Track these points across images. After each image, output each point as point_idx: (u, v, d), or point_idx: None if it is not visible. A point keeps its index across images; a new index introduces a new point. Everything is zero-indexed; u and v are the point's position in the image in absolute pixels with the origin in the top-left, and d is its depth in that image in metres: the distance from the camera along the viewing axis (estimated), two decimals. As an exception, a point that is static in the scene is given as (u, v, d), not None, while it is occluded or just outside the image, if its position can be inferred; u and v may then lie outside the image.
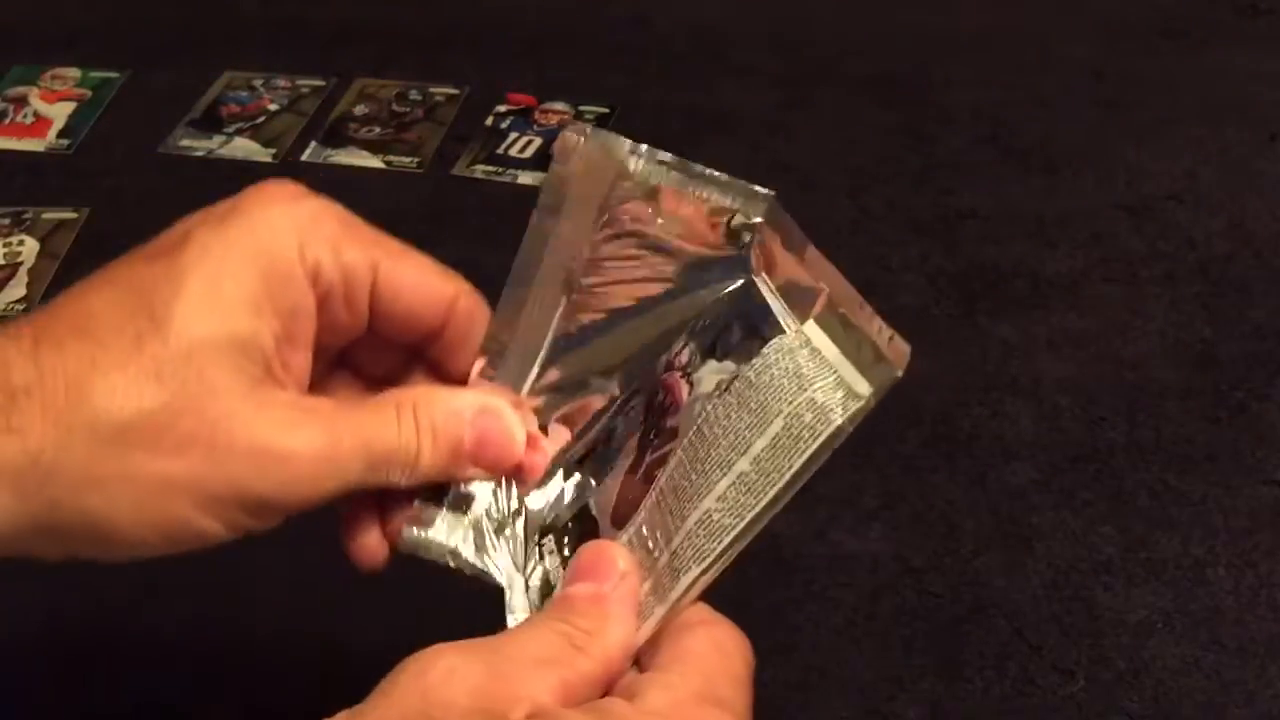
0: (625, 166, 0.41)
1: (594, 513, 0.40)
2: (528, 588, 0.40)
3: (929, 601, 0.60)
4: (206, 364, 0.36)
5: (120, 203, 0.85)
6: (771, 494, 0.36)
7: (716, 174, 0.41)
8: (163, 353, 0.36)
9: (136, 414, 0.36)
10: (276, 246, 0.38)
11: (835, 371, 0.37)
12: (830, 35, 0.96)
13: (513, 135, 0.90)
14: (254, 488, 0.37)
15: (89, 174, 0.88)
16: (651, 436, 0.40)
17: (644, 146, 0.41)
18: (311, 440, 0.37)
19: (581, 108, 0.91)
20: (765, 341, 0.38)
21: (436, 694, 0.32)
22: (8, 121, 0.93)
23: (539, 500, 0.42)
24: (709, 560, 0.37)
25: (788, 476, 0.36)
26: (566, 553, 0.40)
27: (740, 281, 0.40)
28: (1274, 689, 0.56)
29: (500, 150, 0.88)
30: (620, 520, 0.39)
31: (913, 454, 0.66)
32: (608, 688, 0.35)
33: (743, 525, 0.37)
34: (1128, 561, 0.61)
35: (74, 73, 0.97)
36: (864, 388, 0.36)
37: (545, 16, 1.00)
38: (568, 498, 0.41)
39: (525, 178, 0.86)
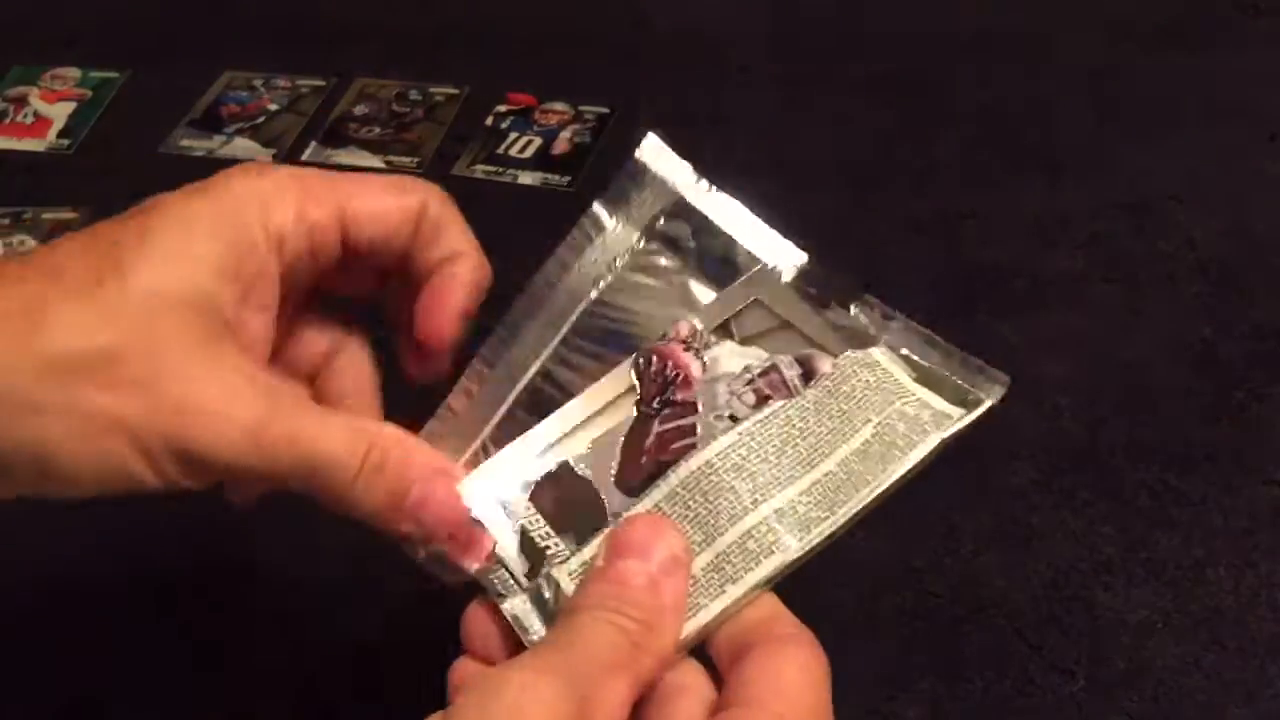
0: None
1: (581, 469, 0.40)
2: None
3: (929, 601, 0.60)
4: (162, 314, 0.37)
5: (120, 203, 0.84)
6: (864, 495, 0.38)
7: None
8: (120, 297, 0.37)
9: (86, 349, 0.36)
10: (241, 217, 0.40)
11: (915, 393, 0.40)
12: (830, 35, 0.96)
13: (513, 135, 0.90)
14: (183, 442, 0.37)
15: (89, 174, 0.88)
16: (657, 405, 0.40)
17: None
18: (245, 411, 0.38)
19: (581, 108, 0.91)
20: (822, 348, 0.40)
21: (519, 716, 0.31)
22: (8, 121, 0.93)
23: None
24: (790, 555, 0.37)
25: (886, 482, 0.39)
26: (548, 507, 0.40)
27: (761, 265, 0.42)
28: (1274, 689, 0.56)
29: (500, 150, 0.88)
30: (629, 487, 0.39)
31: (913, 454, 0.66)
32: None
33: (839, 522, 0.38)
34: (1128, 561, 0.61)
35: (74, 73, 0.97)
36: (947, 407, 0.38)
37: (545, 16, 1.00)
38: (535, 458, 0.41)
39: (525, 178, 0.86)
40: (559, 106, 0.92)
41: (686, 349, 0.41)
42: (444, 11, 1.02)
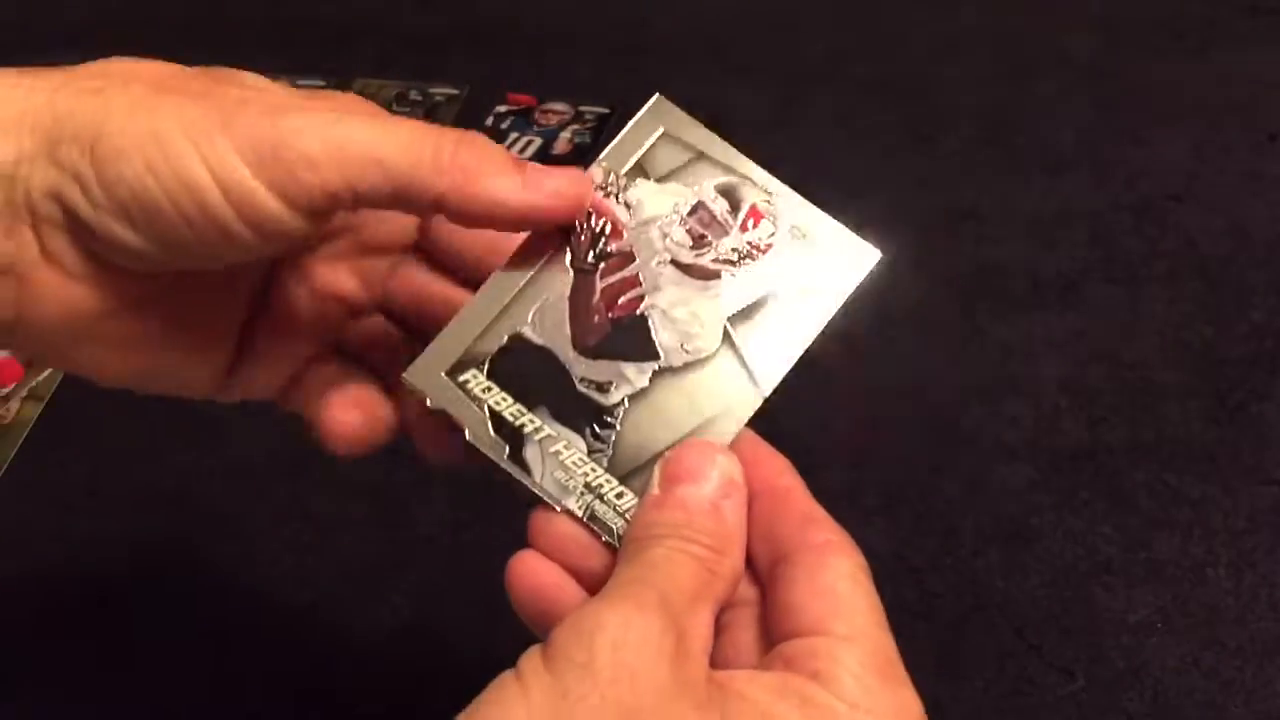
0: None
1: (535, 339, 0.39)
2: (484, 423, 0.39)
3: (929, 601, 0.60)
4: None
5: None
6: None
7: None
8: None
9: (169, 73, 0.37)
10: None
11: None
12: (830, 35, 0.96)
13: (513, 135, 0.90)
14: (277, 136, 0.35)
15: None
16: (593, 260, 0.40)
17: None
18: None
19: (581, 108, 0.91)
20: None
21: (629, 655, 0.32)
22: (8, 121, 0.93)
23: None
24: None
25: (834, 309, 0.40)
26: (511, 383, 0.39)
27: (657, 96, 0.42)
28: (1274, 689, 0.56)
29: (500, 150, 0.88)
30: (588, 349, 0.39)
31: (913, 454, 0.66)
32: None
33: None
34: (1128, 561, 0.61)
35: (74, 73, 0.97)
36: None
37: (545, 16, 1.00)
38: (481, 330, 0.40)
39: (525, 178, 0.86)
40: (559, 106, 0.92)
41: (605, 195, 0.41)
42: (444, 11, 1.02)
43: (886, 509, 0.64)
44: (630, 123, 0.42)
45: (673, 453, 0.37)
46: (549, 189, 0.38)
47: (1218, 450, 0.66)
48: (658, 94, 0.43)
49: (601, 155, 0.41)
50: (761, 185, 0.41)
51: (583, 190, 0.39)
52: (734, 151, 0.42)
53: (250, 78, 0.38)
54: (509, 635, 0.59)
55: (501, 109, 0.92)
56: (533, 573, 0.38)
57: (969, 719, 0.56)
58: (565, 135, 0.89)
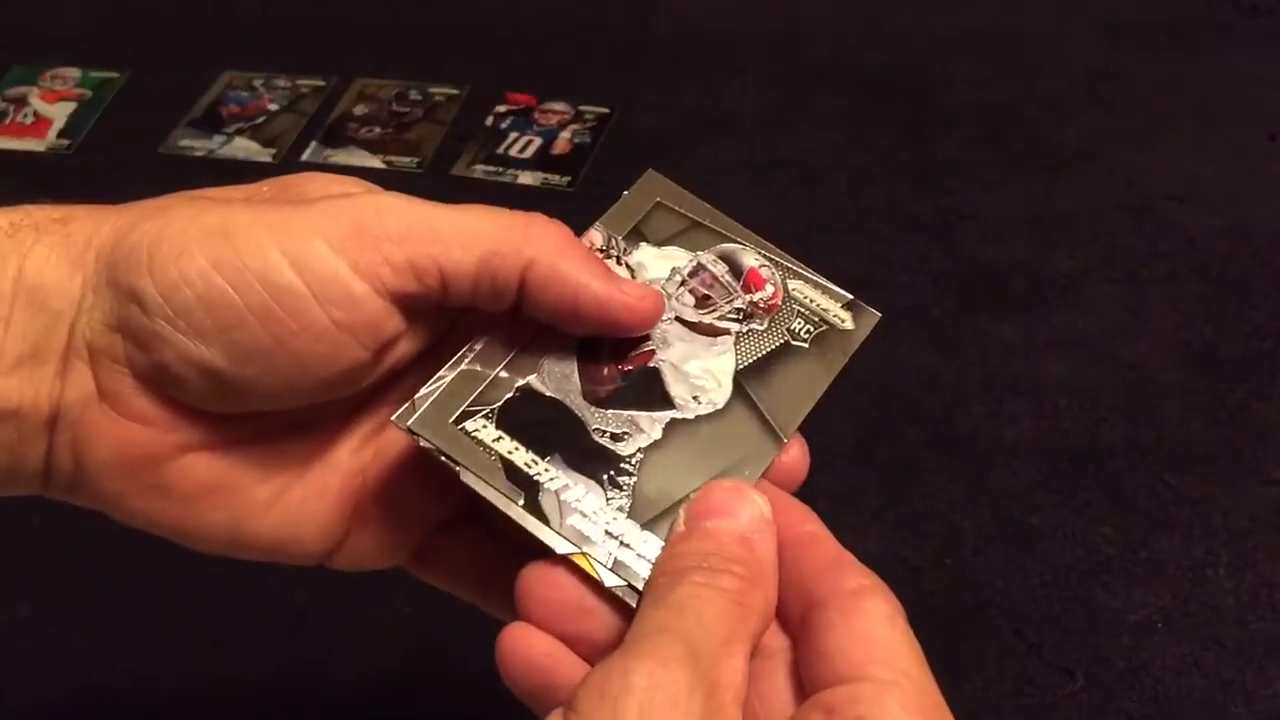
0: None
1: (544, 390, 0.39)
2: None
3: (929, 601, 0.60)
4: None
5: (120, 203, 0.85)
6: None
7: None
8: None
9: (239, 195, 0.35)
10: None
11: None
12: (830, 35, 0.96)
13: (513, 135, 0.90)
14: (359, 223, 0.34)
15: (89, 174, 0.88)
16: None
17: None
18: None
19: (581, 108, 0.91)
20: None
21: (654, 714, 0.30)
22: (8, 121, 0.93)
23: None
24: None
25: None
26: (523, 432, 0.38)
27: (648, 170, 0.43)
28: (1274, 689, 0.56)
29: (500, 150, 0.88)
30: (599, 400, 0.39)
31: (913, 454, 0.66)
32: None
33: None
34: (1128, 561, 0.61)
35: (74, 73, 0.97)
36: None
37: (545, 16, 1.00)
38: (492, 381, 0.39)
39: (525, 177, 0.86)
40: (559, 106, 0.92)
41: (606, 257, 0.41)
42: (444, 11, 1.02)
43: (886, 509, 0.64)
44: (624, 195, 0.42)
45: (699, 492, 0.36)
46: (632, 289, 0.37)
47: (1218, 450, 0.66)
48: (650, 169, 0.43)
49: (599, 221, 0.42)
50: (758, 250, 0.42)
51: (659, 304, 0.38)
52: (728, 220, 0.42)
53: (320, 175, 0.36)
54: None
55: (501, 109, 0.92)
56: (526, 646, 0.34)
57: (969, 719, 0.56)
58: (565, 135, 0.89)
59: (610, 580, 0.35)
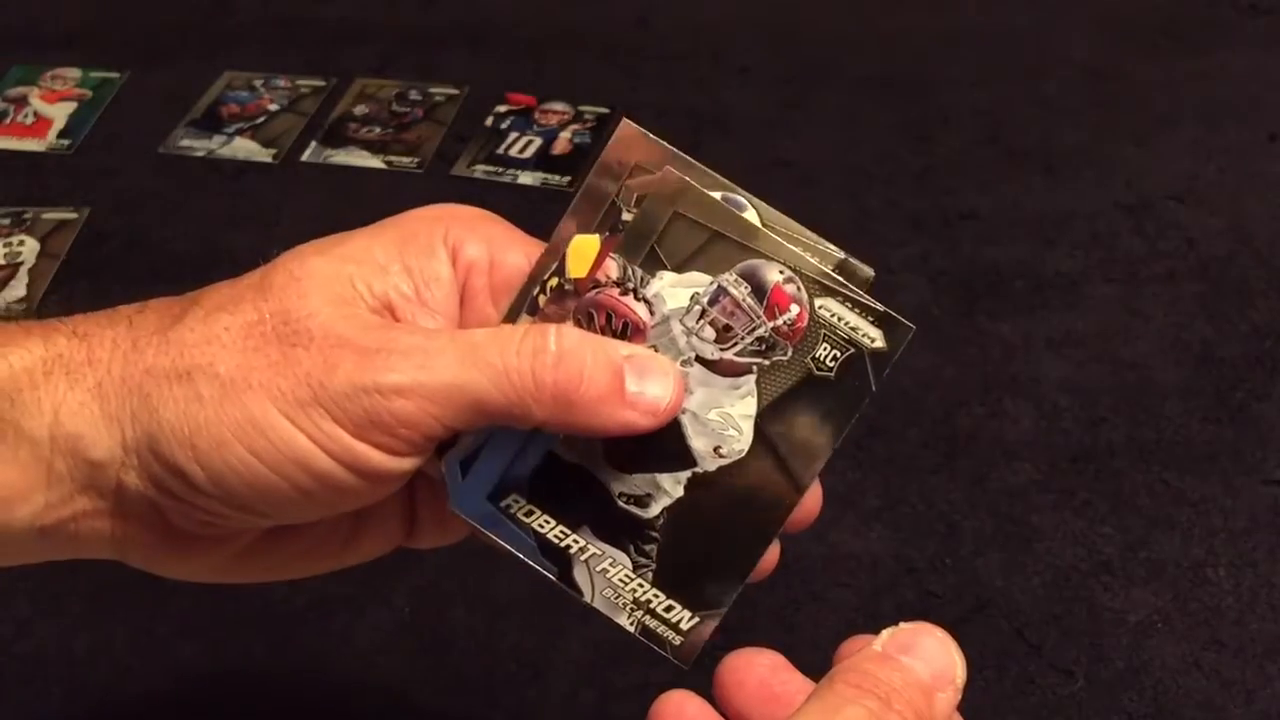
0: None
1: (568, 458, 0.39)
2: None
3: (929, 601, 0.60)
4: (311, 286, 0.37)
5: (120, 203, 0.85)
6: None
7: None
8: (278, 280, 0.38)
9: (231, 320, 0.37)
10: (421, 228, 0.39)
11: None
12: (830, 35, 0.96)
13: (512, 135, 0.90)
14: (331, 375, 0.36)
15: (89, 174, 0.88)
16: None
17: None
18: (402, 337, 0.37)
19: (581, 108, 0.91)
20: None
21: None
22: (8, 121, 0.93)
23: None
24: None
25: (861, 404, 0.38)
26: (550, 504, 0.39)
27: (665, 169, 0.40)
28: (1274, 689, 0.56)
29: (500, 150, 0.88)
30: (621, 462, 0.39)
31: (913, 454, 0.66)
32: None
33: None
34: (1128, 561, 0.61)
35: (74, 73, 0.97)
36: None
37: (545, 16, 1.00)
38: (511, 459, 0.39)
39: (525, 178, 0.86)
40: (559, 106, 0.92)
41: (624, 293, 0.38)
42: (444, 11, 1.02)
43: (886, 509, 0.64)
44: (644, 204, 0.39)
45: (910, 630, 0.37)
46: (646, 405, 0.37)
47: (1218, 450, 0.66)
48: (624, 118, 0.40)
49: (618, 239, 0.39)
50: (784, 262, 0.39)
51: (680, 399, 0.38)
52: (751, 225, 0.39)
53: (307, 311, 0.37)
54: (509, 636, 0.60)
55: (501, 109, 0.92)
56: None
57: (969, 719, 0.56)
58: (565, 135, 0.89)
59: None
